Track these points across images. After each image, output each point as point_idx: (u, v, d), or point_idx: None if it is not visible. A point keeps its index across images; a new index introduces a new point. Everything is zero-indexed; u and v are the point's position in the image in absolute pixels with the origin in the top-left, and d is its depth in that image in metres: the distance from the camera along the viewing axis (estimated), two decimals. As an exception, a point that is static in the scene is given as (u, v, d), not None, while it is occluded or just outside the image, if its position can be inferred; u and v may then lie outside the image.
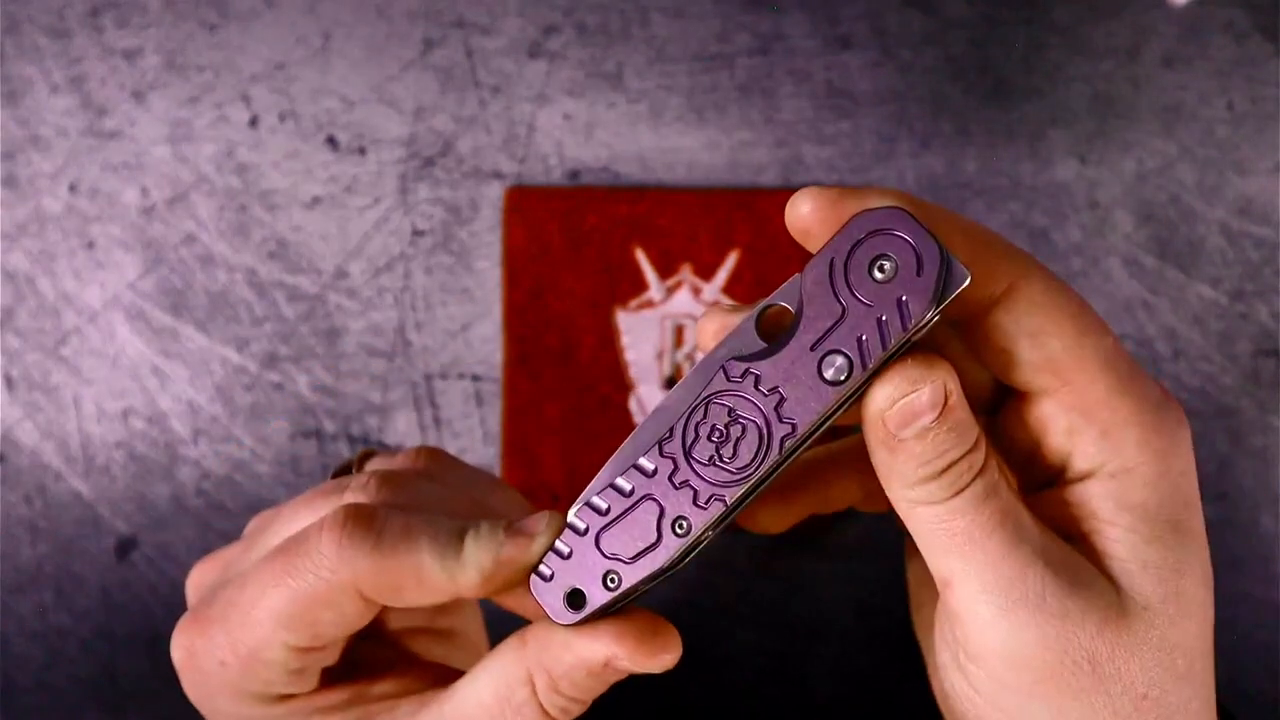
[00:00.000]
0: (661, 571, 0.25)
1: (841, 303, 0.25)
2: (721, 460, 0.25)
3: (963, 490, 0.25)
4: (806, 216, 0.26)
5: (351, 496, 0.28)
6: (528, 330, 0.44)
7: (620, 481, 0.25)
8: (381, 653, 0.31)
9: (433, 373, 0.45)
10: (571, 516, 0.26)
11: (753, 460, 0.25)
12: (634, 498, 0.25)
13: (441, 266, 0.45)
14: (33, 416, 0.46)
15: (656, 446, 0.25)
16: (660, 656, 0.26)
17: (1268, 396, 0.45)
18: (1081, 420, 0.26)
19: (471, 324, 0.45)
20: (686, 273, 0.44)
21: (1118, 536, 0.26)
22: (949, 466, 0.25)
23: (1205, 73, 0.46)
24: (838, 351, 0.25)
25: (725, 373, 0.25)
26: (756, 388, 0.25)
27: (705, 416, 0.25)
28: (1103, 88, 0.46)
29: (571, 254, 0.44)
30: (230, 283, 0.45)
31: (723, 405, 0.25)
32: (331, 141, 0.45)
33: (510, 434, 0.44)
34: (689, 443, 0.25)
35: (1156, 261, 0.46)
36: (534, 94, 0.45)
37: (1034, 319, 0.26)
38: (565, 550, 0.26)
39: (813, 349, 0.25)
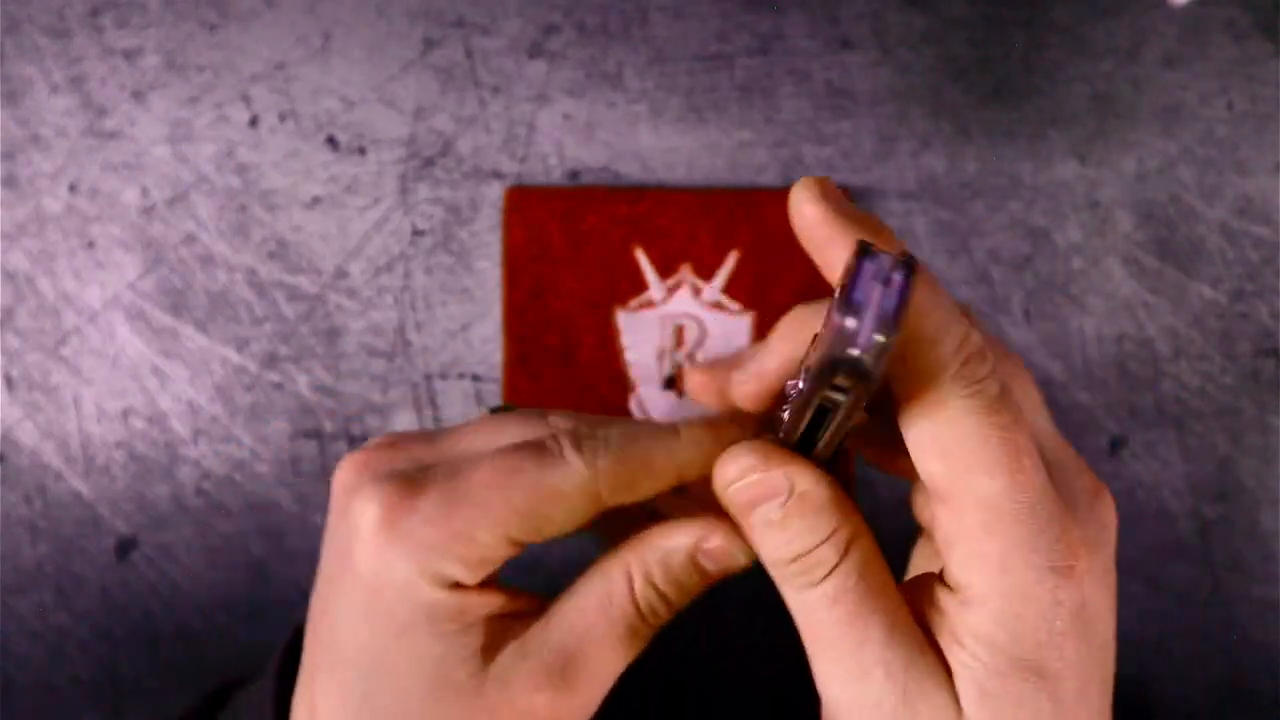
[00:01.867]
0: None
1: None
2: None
3: (821, 581, 0.27)
4: (808, 220, 0.28)
5: (553, 423, 0.31)
6: (528, 330, 0.44)
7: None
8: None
9: (433, 373, 0.45)
10: None
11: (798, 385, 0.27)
12: None
13: (441, 266, 0.45)
14: (33, 416, 0.46)
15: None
16: (744, 546, 0.29)
17: (1268, 396, 0.45)
18: (953, 539, 0.26)
19: (471, 324, 0.45)
20: (686, 273, 0.44)
21: (965, 659, 0.26)
22: (801, 557, 0.27)
23: (1205, 73, 0.46)
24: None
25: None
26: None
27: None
28: (1103, 88, 0.46)
29: (571, 254, 0.44)
30: (230, 283, 0.45)
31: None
32: (331, 141, 0.45)
33: (510, 434, 0.44)
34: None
35: (1156, 261, 0.46)
36: (534, 94, 0.45)
37: (939, 441, 0.25)
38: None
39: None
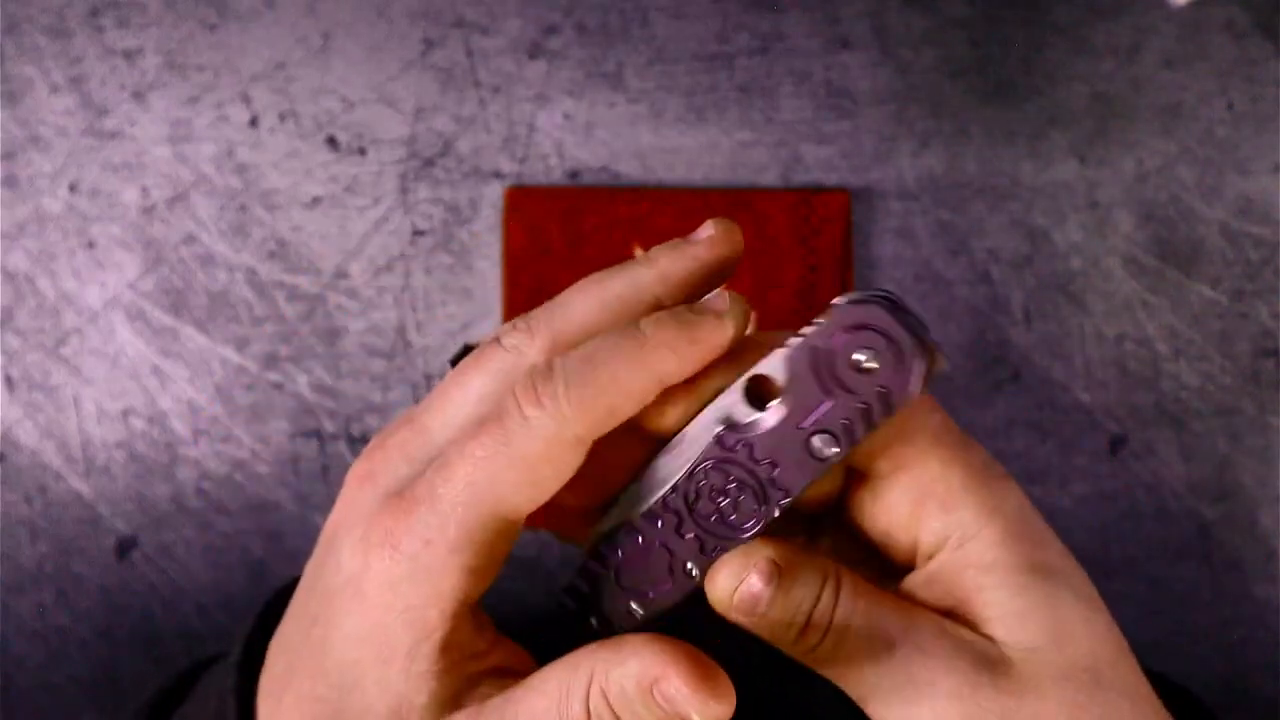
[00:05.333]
0: (680, 606, 0.28)
1: (827, 388, 0.27)
2: (724, 518, 0.28)
3: (825, 635, 0.27)
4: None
5: (511, 349, 0.28)
6: (528, 330, 0.44)
7: (633, 532, 0.28)
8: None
9: (433, 373, 0.45)
10: (584, 561, 0.29)
11: (753, 518, 0.27)
12: (645, 544, 0.28)
13: (441, 266, 0.45)
14: (33, 416, 0.46)
15: (660, 503, 0.28)
16: (715, 702, 0.27)
17: (1268, 396, 0.45)
18: (921, 499, 0.28)
19: (471, 324, 0.45)
20: (686, 273, 0.44)
21: (985, 599, 0.27)
22: (809, 618, 0.27)
23: (1205, 73, 0.46)
24: (825, 432, 0.27)
25: (721, 442, 0.27)
26: (751, 457, 0.27)
27: (705, 479, 0.27)
28: (1103, 88, 0.46)
29: (571, 254, 0.44)
30: (230, 283, 0.45)
31: (721, 472, 0.27)
32: (331, 141, 0.45)
33: (510, 434, 0.44)
34: (691, 500, 0.28)
35: (1156, 261, 0.46)
36: (534, 94, 0.45)
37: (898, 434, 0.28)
38: (585, 587, 0.29)
39: (799, 428, 0.27)
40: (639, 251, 0.44)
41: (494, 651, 0.29)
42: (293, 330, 0.45)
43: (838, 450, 0.27)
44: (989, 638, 0.27)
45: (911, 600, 0.29)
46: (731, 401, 0.27)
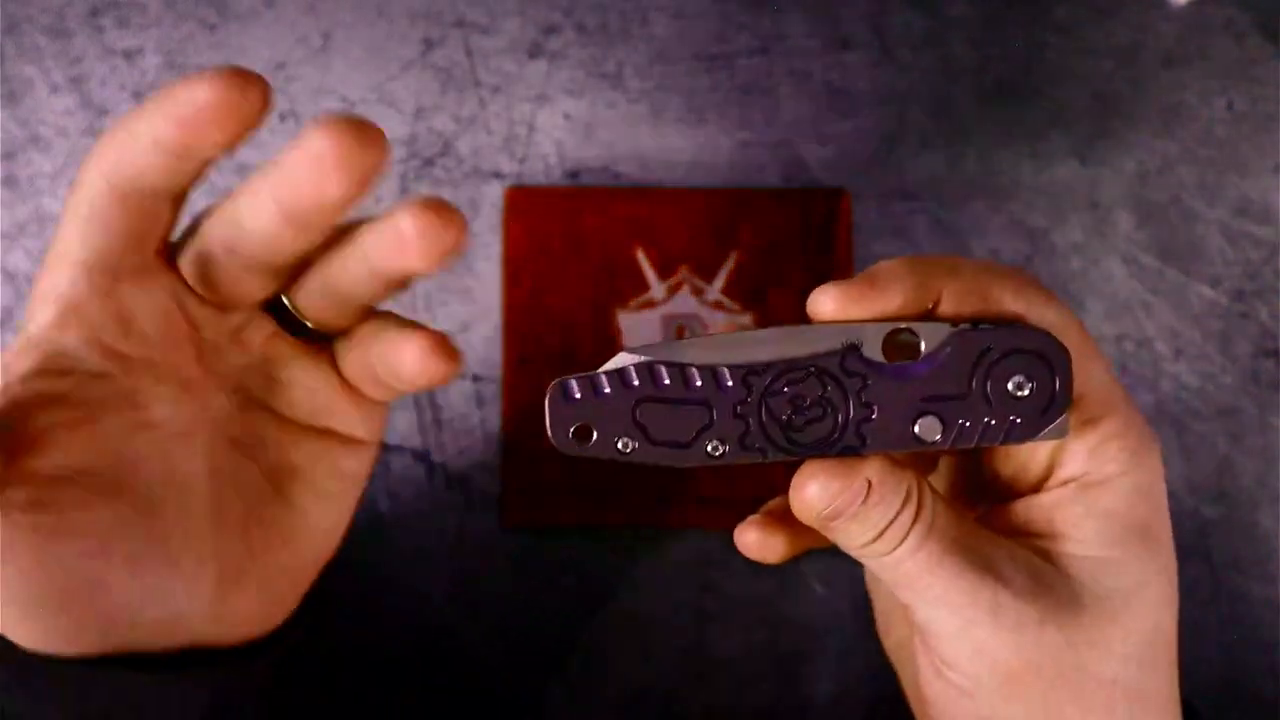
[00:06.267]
0: (669, 469, 0.26)
1: (970, 386, 0.26)
2: (788, 425, 0.26)
3: (902, 541, 0.27)
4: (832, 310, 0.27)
5: None
6: (528, 330, 0.44)
7: (692, 372, 0.26)
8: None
9: (433, 373, 0.45)
10: (629, 362, 0.26)
11: (812, 444, 0.26)
12: (693, 394, 0.26)
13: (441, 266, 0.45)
14: (33, 416, 0.46)
15: (744, 370, 0.26)
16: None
17: (1268, 396, 0.45)
18: (1075, 437, 0.28)
19: (471, 324, 0.45)
20: (687, 273, 0.44)
21: (1086, 538, 0.28)
22: (883, 532, 0.27)
23: (1205, 73, 0.46)
24: (937, 417, 0.26)
25: (843, 358, 0.26)
26: (859, 393, 0.26)
27: (802, 380, 0.26)
28: (1103, 88, 0.46)
29: (571, 254, 0.44)
30: (230, 283, 0.45)
31: (823, 384, 0.26)
32: (331, 141, 0.45)
33: (510, 434, 0.44)
34: (772, 388, 0.26)
35: (1156, 261, 0.46)
36: (534, 94, 0.45)
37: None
38: (606, 389, 0.26)
39: (921, 400, 0.26)
40: (639, 252, 0.44)
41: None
42: (293, 330, 0.45)
43: (938, 440, 0.26)
44: (1071, 577, 0.28)
45: (1008, 522, 0.29)
46: (873, 334, 0.26)
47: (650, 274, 0.44)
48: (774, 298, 0.44)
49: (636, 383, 0.26)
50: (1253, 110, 0.46)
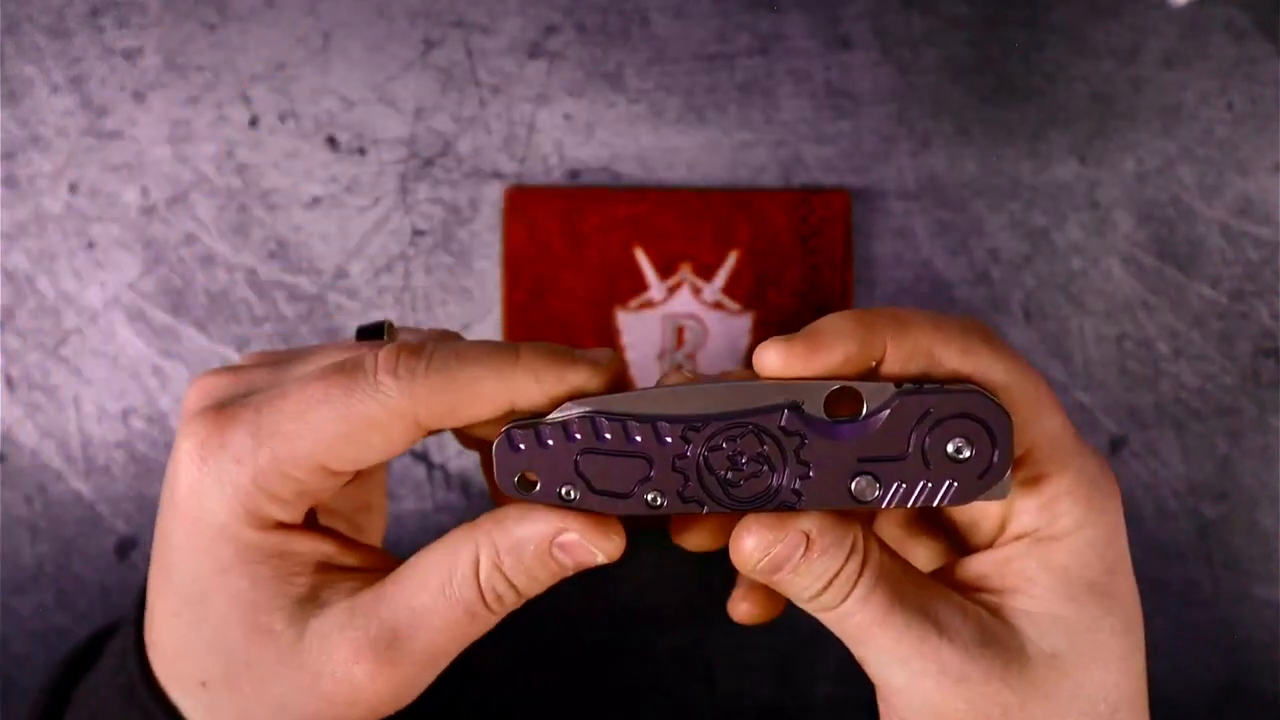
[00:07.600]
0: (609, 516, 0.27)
1: (909, 447, 0.26)
2: (725, 480, 0.26)
3: (850, 593, 0.27)
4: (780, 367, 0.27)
5: (400, 338, 0.29)
6: (528, 330, 0.44)
7: (633, 426, 0.26)
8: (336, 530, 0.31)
9: (433, 373, 0.45)
10: (574, 413, 0.26)
11: (750, 499, 0.27)
12: (633, 447, 0.26)
13: (441, 266, 0.45)
14: (33, 416, 0.46)
15: (683, 424, 0.26)
16: (610, 539, 0.27)
17: (1268, 396, 0.45)
18: (1025, 492, 0.28)
19: (471, 324, 0.45)
20: (686, 273, 0.44)
21: (1038, 594, 0.28)
22: (829, 583, 0.27)
23: (1205, 73, 0.46)
24: (874, 477, 0.26)
25: (783, 416, 0.26)
26: (796, 451, 0.26)
27: (741, 437, 0.26)
28: (1103, 88, 0.46)
29: (571, 254, 0.44)
30: (230, 283, 0.45)
31: (760, 441, 0.26)
32: (331, 141, 0.45)
33: (510, 434, 0.44)
34: (712, 443, 0.26)
35: (1156, 261, 0.46)
36: (534, 94, 0.45)
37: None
38: (549, 441, 0.26)
39: (859, 460, 0.26)
40: (639, 252, 0.44)
41: (352, 553, 0.29)
42: (293, 330, 0.45)
43: (873, 500, 0.26)
44: (1020, 632, 0.28)
45: (963, 576, 0.29)
46: (815, 392, 0.26)
47: (650, 274, 0.44)
48: (773, 297, 0.44)
49: (579, 436, 0.26)
50: (1253, 110, 0.46)
